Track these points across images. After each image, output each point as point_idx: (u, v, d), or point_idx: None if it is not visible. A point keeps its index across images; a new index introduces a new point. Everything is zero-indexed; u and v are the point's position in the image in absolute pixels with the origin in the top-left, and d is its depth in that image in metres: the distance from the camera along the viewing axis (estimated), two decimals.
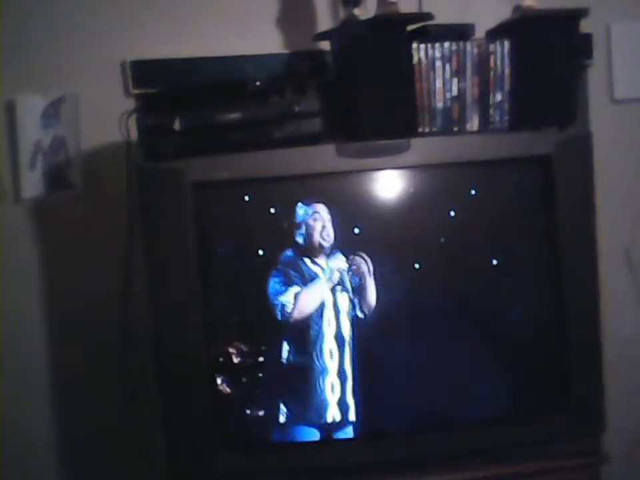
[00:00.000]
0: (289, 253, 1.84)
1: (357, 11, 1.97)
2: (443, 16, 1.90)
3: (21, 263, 2.21)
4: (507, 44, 1.92)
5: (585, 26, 1.99)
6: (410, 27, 1.89)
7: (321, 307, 1.85)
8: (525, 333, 1.95)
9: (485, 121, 1.94)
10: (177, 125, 1.80)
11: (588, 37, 2.28)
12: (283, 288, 1.82)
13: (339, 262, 1.85)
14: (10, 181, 2.20)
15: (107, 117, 2.12)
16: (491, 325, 1.95)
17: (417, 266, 1.88)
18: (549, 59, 1.89)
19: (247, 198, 1.84)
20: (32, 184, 2.20)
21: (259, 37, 2.25)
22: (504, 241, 1.95)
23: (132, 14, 2.21)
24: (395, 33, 1.85)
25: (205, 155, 1.78)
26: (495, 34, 1.96)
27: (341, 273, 1.84)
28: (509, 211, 1.93)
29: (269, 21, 2.27)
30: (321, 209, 1.84)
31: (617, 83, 2.42)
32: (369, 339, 1.87)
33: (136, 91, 2.18)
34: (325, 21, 2.24)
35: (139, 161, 1.89)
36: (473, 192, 1.90)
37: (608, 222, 2.19)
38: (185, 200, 1.77)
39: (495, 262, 1.91)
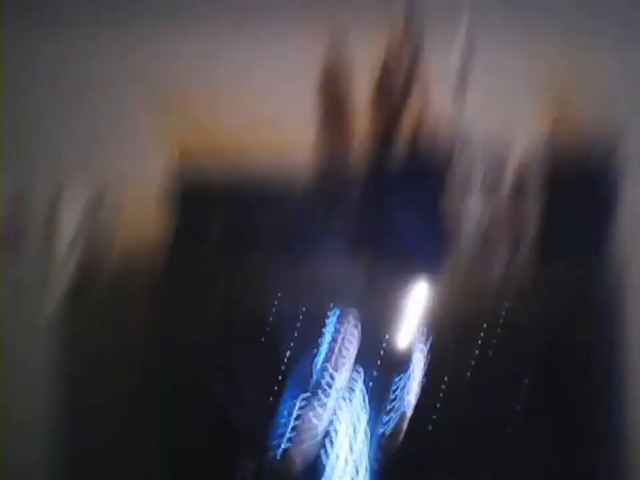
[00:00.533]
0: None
1: (392, 148, 2.01)
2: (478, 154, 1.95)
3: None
4: (537, 188, 1.96)
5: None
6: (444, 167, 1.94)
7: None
8: None
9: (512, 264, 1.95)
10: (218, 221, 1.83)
11: (616, 185, 2.28)
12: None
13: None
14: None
15: (146, 215, 2.18)
16: None
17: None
18: (576, 211, 1.94)
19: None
20: (67, 276, 2.23)
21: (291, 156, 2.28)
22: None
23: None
24: (429, 172, 1.92)
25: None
26: (525, 176, 2.00)
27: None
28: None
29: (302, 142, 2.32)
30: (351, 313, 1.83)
31: None
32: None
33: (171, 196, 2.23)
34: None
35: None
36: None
37: None
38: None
39: None
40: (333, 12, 2.23)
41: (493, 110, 2.24)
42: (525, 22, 2.29)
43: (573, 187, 1.95)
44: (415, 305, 1.88)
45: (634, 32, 2.36)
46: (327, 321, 1.82)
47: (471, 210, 1.95)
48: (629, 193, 2.28)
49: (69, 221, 2.24)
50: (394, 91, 2.04)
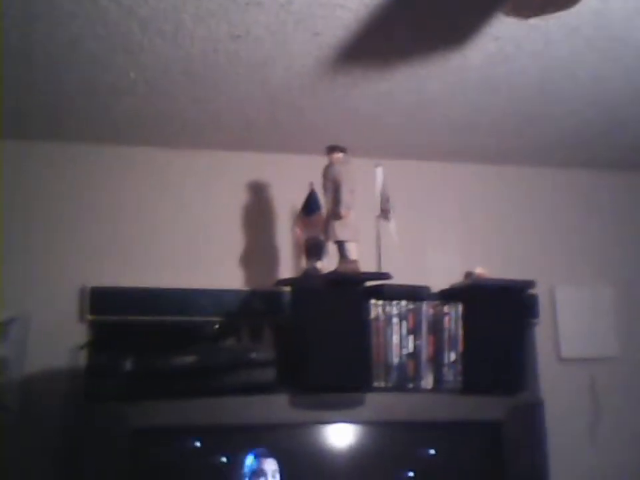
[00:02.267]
0: None
1: (318, 264, 2.05)
2: (400, 275, 1.99)
3: None
4: (459, 307, 2.00)
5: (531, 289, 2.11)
6: (369, 285, 1.95)
7: None
8: None
9: (439, 379, 1.96)
10: (128, 365, 1.76)
11: (534, 299, 2.39)
12: None
13: None
14: None
15: (56, 343, 2.11)
16: None
17: None
18: (498, 326, 1.96)
19: (194, 444, 1.77)
20: None
21: (220, 272, 2.31)
22: None
23: (93, 242, 2.27)
24: (353, 289, 1.92)
25: (152, 400, 1.73)
26: (448, 296, 2.04)
27: None
28: (464, 473, 1.89)
29: (232, 258, 2.34)
30: (269, 462, 1.77)
31: (563, 342, 2.51)
32: None
33: (91, 318, 2.16)
34: (286, 266, 2.32)
35: (82, 397, 1.83)
36: (426, 451, 1.87)
37: None
38: (124, 444, 1.69)
39: None
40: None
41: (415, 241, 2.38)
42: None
43: (489, 317, 1.99)
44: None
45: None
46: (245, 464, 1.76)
47: (394, 335, 1.96)
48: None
49: None
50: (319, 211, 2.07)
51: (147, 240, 2.32)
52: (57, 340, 2.13)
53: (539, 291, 2.34)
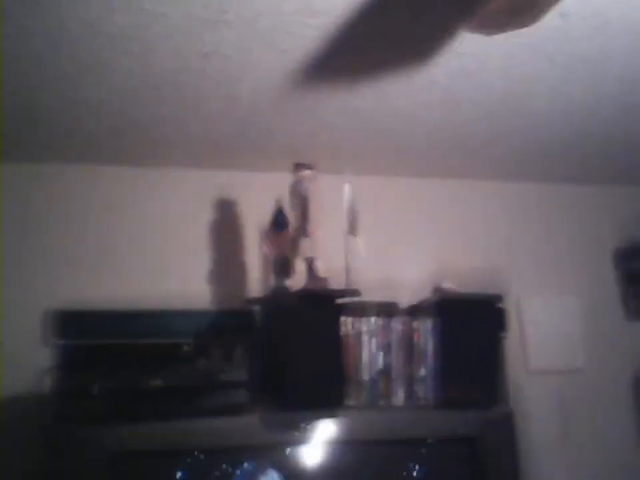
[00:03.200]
0: None
1: (287, 281, 2.04)
2: (369, 291, 1.99)
3: None
4: (429, 322, 2.00)
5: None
6: (338, 302, 1.95)
7: None
8: None
9: (410, 396, 1.96)
10: (95, 390, 1.72)
11: (503, 312, 2.41)
12: None
13: None
14: None
15: (22, 368, 2.05)
16: None
17: None
18: (468, 341, 1.98)
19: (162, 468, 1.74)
20: None
21: (189, 292, 2.28)
22: None
23: (57, 262, 2.24)
24: (323, 307, 1.92)
25: (124, 422, 1.69)
26: (417, 311, 2.05)
27: None
28: None
29: (200, 277, 2.32)
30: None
31: (532, 355, 2.54)
32: None
33: (57, 342, 2.12)
34: (256, 283, 2.31)
35: (52, 422, 1.78)
36: (404, 468, 1.86)
37: None
38: (101, 468, 1.65)
39: None
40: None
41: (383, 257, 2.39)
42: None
43: (463, 320, 2.00)
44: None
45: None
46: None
47: (365, 352, 1.95)
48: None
49: None
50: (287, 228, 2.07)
51: (114, 259, 2.29)
52: (23, 364, 2.07)
53: (507, 303, 2.37)
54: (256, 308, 2.14)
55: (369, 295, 1.97)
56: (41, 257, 2.24)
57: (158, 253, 2.32)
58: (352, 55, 1.71)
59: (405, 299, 2.07)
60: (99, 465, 1.65)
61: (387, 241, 2.44)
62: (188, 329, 2.16)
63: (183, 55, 1.67)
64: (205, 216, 2.38)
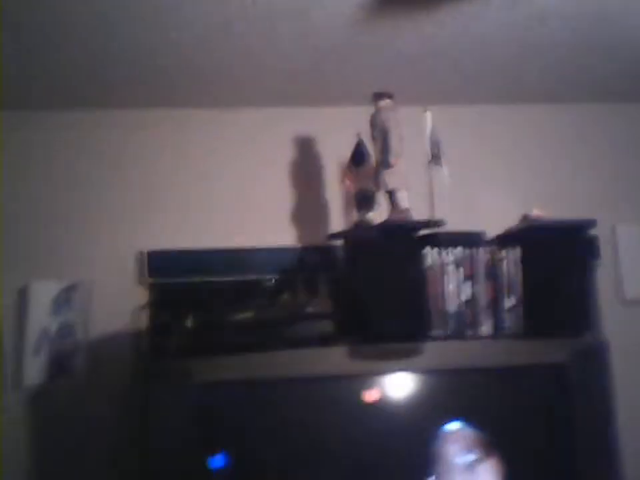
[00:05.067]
0: None
1: (370, 215, 2.03)
2: (454, 221, 1.95)
3: (17, 453, 2.12)
4: (517, 251, 1.95)
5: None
6: (422, 233, 1.92)
7: None
8: None
9: (498, 326, 1.93)
10: (189, 323, 1.79)
11: (594, 239, 2.31)
12: None
13: None
14: (13, 367, 2.16)
15: (118, 306, 2.16)
16: None
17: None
18: (558, 268, 1.91)
19: (255, 398, 1.79)
20: (35, 371, 2.16)
21: (272, 230, 2.31)
22: (520, 450, 1.86)
23: (147, 206, 2.31)
24: (406, 238, 1.90)
25: (214, 355, 1.75)
26: (504, 240, 1.99)
27: None
28: (526, 419, 1.86)
29: (283, 216, 2.34)
30: None
31: (627, 283, 2.44)
32: None
33: (150, 280, 2.20)
34: (337, 220, 2.30)
35: (146, 356, 1.86)
36: (490, 397, 1.85)
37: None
38: (189, 400, 1.72)
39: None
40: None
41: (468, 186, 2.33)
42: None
43: (549, 259, 1.93)
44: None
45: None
46: None
47: (451, 283, 1.92)
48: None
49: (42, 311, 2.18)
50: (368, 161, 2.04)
51: (198, 202, 2.34)
52: (119, 303, 2.17)
53: (600, 231, 2.26)
54: (339, 243, 2.14)
55: (454, 225, 1.93)
56: (131, 200, 2.32)
57: (240, 192, 2.35)
58: None
59: (492, 229, 2.01)
60: (188, 396, 1.71)
61: (471, 170, 2.37)
62: (272, 266, 2.20)
63: None
64: (285, 154, 2.38)
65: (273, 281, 1.87)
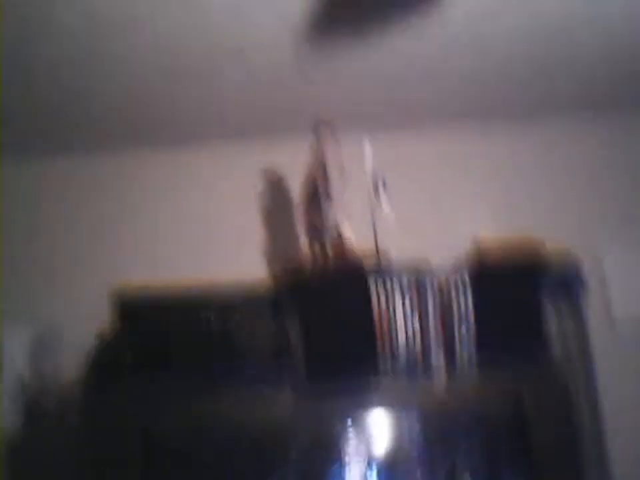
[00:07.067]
0: None
1: (318, 248, 1.98)
2: (402, 249, 1.88)
3: None
4: (465, 280, 1.86)
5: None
6: (366, 266, 1.86)
7: None
8: None
9: (450, 357, 1.83)
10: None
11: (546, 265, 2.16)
12: None
13: None
14: None
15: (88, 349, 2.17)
16: None
17: None
18: (509, 294, 1.81)
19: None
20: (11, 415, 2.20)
21: (240, 263, 2.27)
22: None
23: (116, 244, 2.36)
24: (350, 276, 1.85)
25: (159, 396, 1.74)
26: (454, 269, 1.90)
27: None
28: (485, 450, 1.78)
29: (251, 248, 2.32)
30: None
31: (614, 303, 2.31)
32: None
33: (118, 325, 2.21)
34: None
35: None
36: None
37: None
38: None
39: None
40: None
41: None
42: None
43: (501, 289, 1.84)
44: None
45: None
46: None
47: (400, 320, 1.85)
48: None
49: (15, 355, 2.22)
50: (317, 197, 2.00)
51: (166, 237, 2.38)
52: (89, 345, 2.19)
53: (585, 251, 2.13)
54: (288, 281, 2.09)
55: (403, 253, 1.86)
56: (104, 238, 2.37)
57: (207, 230, 2.37)
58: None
59: (441, 258, 1.93)
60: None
61: (417, 199, 2.32)
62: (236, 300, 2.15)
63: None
64: (252, 185, 2.38)
65: (212, 318, 1.84)
